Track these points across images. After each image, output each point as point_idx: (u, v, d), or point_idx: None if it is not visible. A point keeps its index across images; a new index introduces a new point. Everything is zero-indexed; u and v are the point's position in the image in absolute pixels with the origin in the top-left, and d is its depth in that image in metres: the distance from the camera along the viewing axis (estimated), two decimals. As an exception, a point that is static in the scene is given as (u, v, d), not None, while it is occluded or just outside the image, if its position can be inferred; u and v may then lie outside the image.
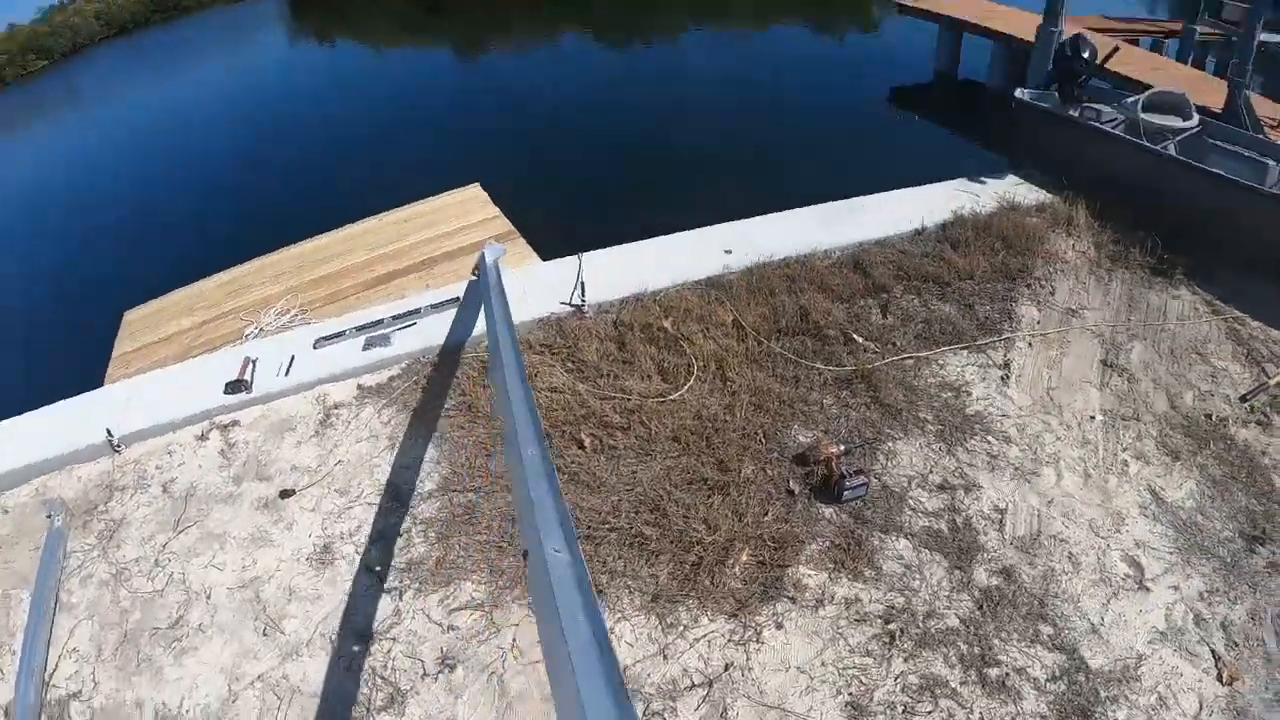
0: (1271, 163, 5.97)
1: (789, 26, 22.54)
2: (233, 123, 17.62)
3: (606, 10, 26.70)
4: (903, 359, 5.10)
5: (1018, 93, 7.60)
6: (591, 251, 5.96)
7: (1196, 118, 6.69)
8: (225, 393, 5.09)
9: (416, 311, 5.49)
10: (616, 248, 6.19)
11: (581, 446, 4.37)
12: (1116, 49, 7.86)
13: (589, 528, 3.95)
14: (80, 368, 6.68)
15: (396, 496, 4.31)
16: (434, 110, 16.03)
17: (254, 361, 5.29)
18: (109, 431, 4.97)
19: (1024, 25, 12.26)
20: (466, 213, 7.75)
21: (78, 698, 3.63)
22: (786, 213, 6.62)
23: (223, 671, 3.65)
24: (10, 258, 12.33)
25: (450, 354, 5.23)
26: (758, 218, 6.56)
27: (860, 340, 5.20)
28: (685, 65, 18.87)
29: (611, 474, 4.26)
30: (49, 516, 4.61)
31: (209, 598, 3.98)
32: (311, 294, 6.61)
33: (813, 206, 6.69)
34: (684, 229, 6.53)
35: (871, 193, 6.96)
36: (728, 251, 5.94)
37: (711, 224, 6.58)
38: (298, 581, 3.98)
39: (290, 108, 18.27)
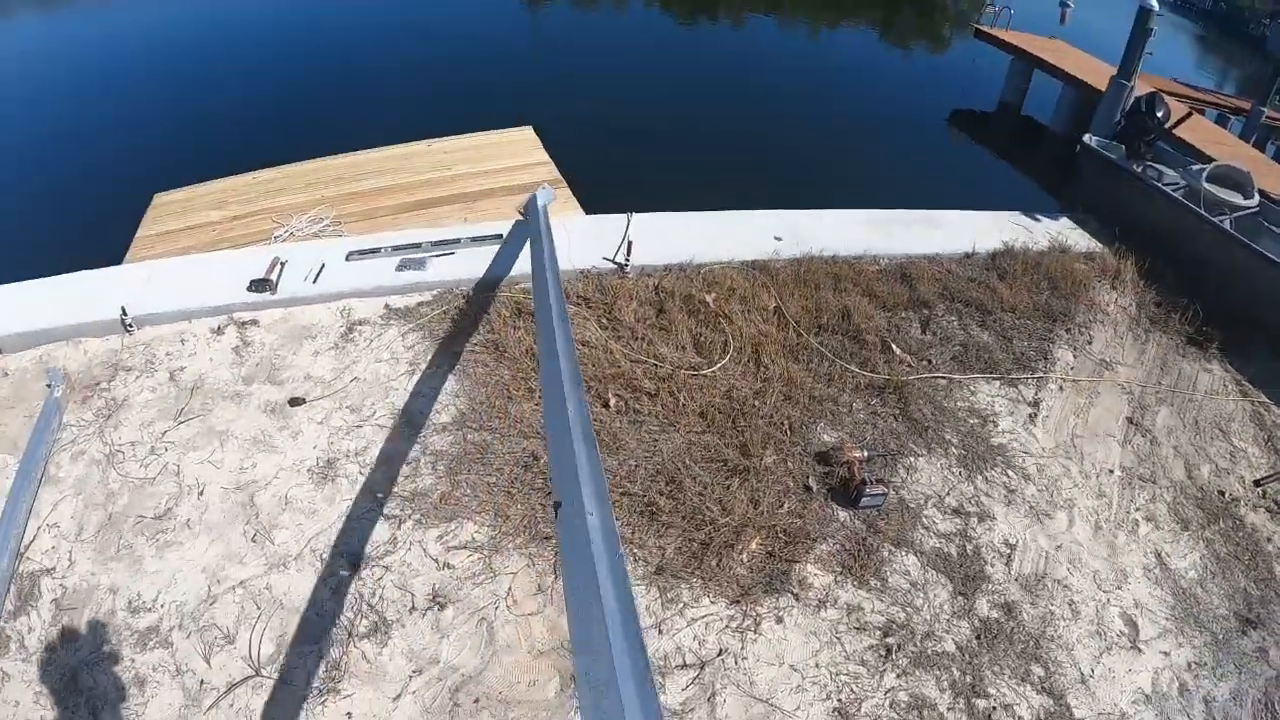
0: None
1: (859, 29, 22.44)
2: (294, 22, 17.26)
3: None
4: (936, 378, 4.98)
5: (1086, 138, 7.50)
6: (640, 214, 5.76)
7: (1257, 198, 6.60)
8: (248, 290, 4.89)
9: (456, 241, 5.30)
10: (665, 214, 6.00)
11: (606, 405, 4.22)
12: (1189, 114, 7.76)
13: (602, 489, 3.82)
14: (102, 241, 6.45)
15: (410, 423, 4.15)
16: (496, 46, 15.63)
17: (283, 263, 5.10)
18: (123, 310, 4.78)
19: (1097, 72, 12.25)
20: (515, 153, 7.52)
21: (51, 574, 3.47)
22: (839, 211, 6.48)
23: (204, 571, 3.50)
24: (54, 118, 12.02)
25: (485, 289, 5.05)
26: (810, 210, 6.41)
27: (898, 351, 5.07)
28: (750, 48, 18.69)
29: (632, 438, 4.11)
30: (49, 385, 4.43)
31: (201, 494, 3.82)
32: (346, 208, 6.38)
33: (866, 210, 6.56)
34: (729, 208, 6.38)
35: (917, 206, 6.83)
36: (778, 239, 5.80)
37: (755, 208, 6.43)
38: (295, 493, 3.83)
39: (350, 18, 17.83)
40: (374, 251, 5.23)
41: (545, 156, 7.46)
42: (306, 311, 4.87)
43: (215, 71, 13.72)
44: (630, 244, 5.23)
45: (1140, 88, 7.71)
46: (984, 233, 6.50)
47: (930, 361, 5.10)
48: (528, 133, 7.99)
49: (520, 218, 5.42)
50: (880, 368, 4.95)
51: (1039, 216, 7.07)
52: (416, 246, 5.27)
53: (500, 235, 5.32)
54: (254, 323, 4.81)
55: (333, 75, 13.52)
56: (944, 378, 5.00)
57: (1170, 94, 12.86)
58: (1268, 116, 13.04)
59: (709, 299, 5.05)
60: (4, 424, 4.22)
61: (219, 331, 4.76)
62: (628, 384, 4.41)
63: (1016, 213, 7.06)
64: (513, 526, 3.67)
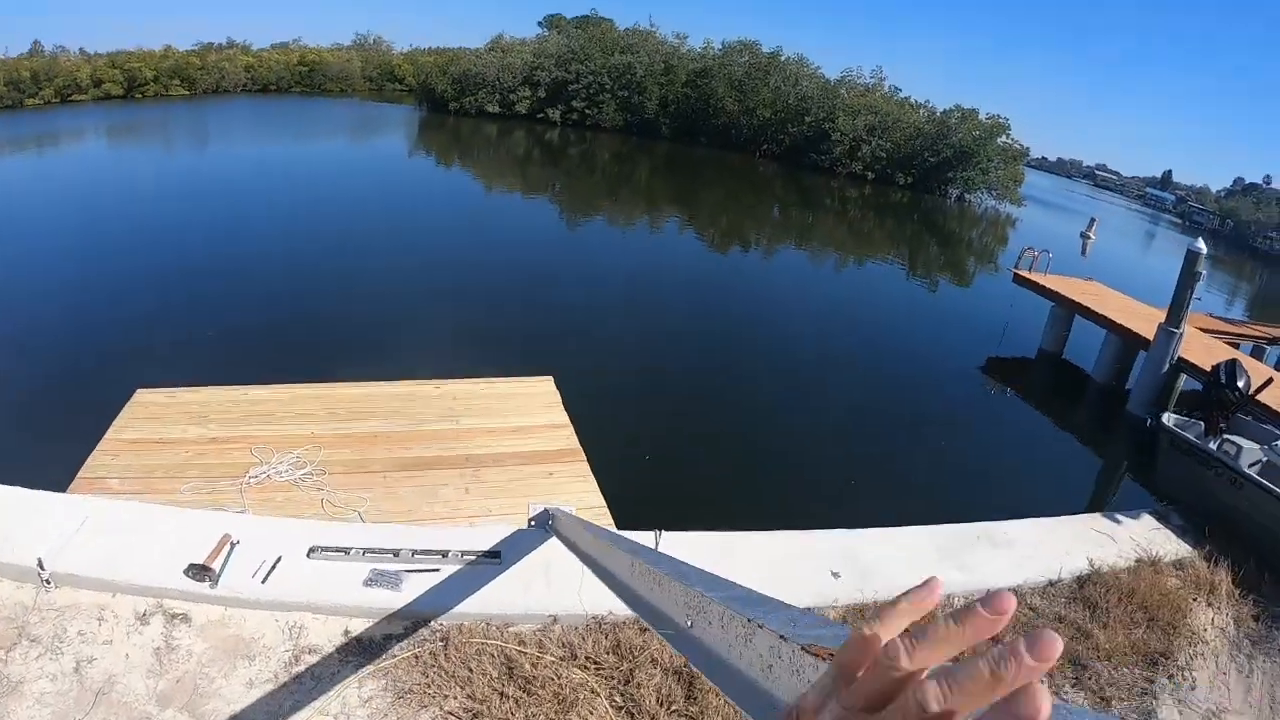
0: None
1: (891, 265, 25.11)
2: (324, 231, 19.92)
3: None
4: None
5: (1164, 418, 7.93)
6: (671, 532, 5.63)
7: None
8: (185, 573, 4.92)
9: (444, 555, 5.31)
10: (702, 534, 5.99)
11: None
12: (1270, 381, 8.00)
13: None
14: (77, 422, 7.11)
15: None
16: (531, 286, 17.09)
17: (233, 544, 5.22)
18: (40, 563, 4.89)
19: (1139, 317, 13.71)
20: (530, 409, 7.86)
21: None
22: (902, 530, 6.69)
23: None
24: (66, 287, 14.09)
25: (471, 631, 4.98)
26: (869, 531, 6.57)
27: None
28: (788, 281, 21.71)
29: None
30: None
31: None
32: (335, 452, 6.67)
33: (933, 528, 6.80)
34: (770, 502, 6.67)
35: (970, 479, 7.34)
36: (835, 574, 5.82)
37: (802, 499, 6.93)
38: None
39: (381, 223, 20.41)
40: (342, 551, 5.33)
41: (565, 418, 7.76)
42: (249, 619, 4.93)
43: (236, 270, 15.78)
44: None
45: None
46: (1067, 549, 6.72)
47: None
48: (548, 385, 8.35)
49: (524, 528, 5.40)
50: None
51: (1120, 518, 7.34)
52: (394, 554, 5.32)
53: (498, 554, 5.32)
54: (185, 619, 4.89)
55: (351, 293, 15.17)
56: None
57: (1208, 330, 14.90)
58: None
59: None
60: None
61: (144, 619, 4.83)
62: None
63: (1096, 515, 7.37)
64: None
